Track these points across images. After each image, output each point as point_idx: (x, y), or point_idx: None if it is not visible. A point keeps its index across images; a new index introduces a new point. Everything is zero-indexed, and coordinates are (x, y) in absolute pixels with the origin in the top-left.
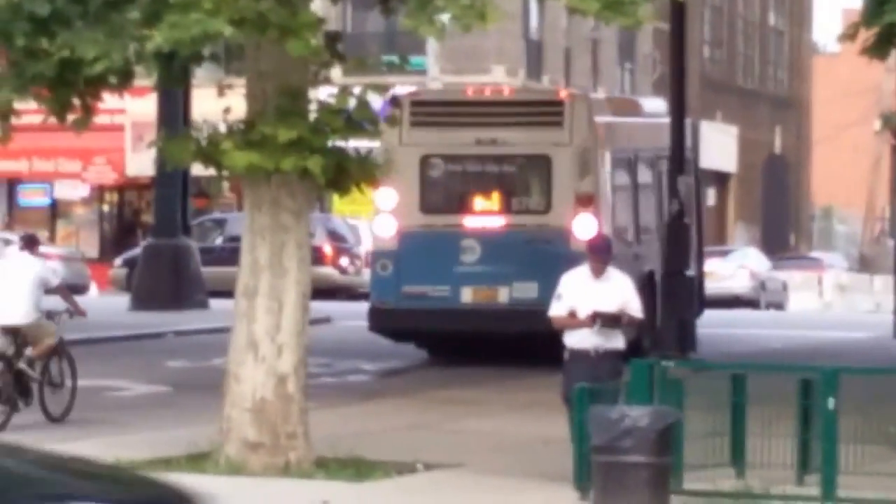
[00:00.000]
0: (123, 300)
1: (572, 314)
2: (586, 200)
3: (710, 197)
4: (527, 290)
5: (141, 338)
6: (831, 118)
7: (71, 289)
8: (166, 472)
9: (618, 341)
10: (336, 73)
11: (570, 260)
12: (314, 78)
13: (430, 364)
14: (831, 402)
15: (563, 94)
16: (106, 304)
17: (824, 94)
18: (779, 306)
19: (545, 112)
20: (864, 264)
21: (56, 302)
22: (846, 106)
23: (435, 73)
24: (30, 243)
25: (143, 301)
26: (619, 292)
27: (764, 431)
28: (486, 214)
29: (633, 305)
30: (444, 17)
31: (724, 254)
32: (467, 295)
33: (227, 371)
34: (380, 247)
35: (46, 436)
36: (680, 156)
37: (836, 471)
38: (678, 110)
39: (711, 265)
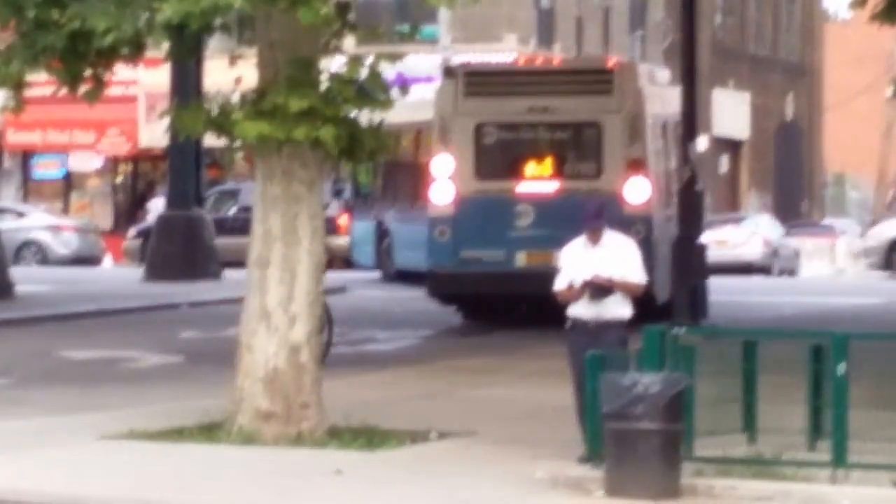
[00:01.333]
0: (137, 272)
1: (571, 286)
2: (636, 165)
3: (723, 164)
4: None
5: (154, 309)
6: (843, 85)
7: (85, 260)
8: (179, 442)
9: (619, 310)
10: (348, 43)
11: (623, 223)
12: (325, 48)
13: (444, 333)
14: (842, 368)
15: (611, 62)
16: (120, 276)
17: (836, 60)
18: (791, 273)
19: (595, 80)
20: None
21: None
22: (858, 73)
23: (446, 43)
24: None
25: (156, 272)
26: (616, 258)
27: (775, 398)
28: (539, 180)
29: (633, 271)
30: None
31: (737, 221)
32: (521, 259)
33: (240, 341)
34: (437, 213)
35: (60, 407)
36: (692, 122)
37: (847, 437)
38: (689, 77)
39: (724, 232)
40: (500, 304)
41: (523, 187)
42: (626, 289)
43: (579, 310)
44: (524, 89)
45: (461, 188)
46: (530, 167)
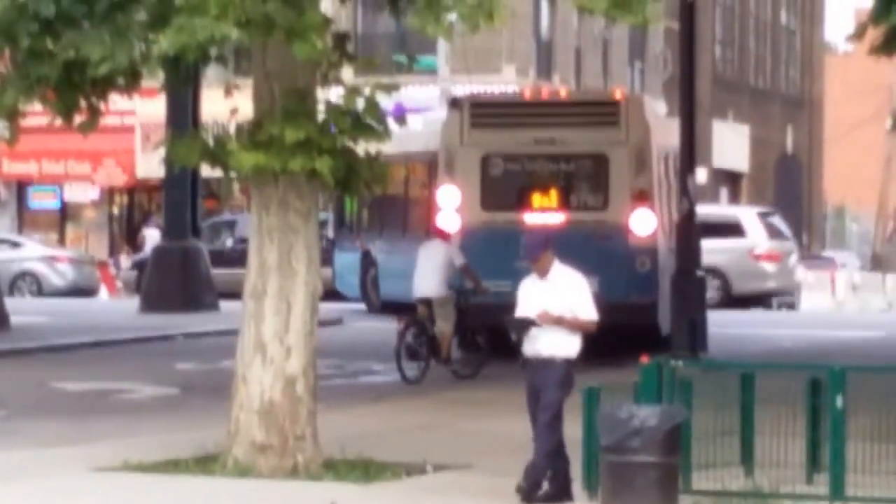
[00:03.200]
0: (133, 303)
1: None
2: (642, 196)
3: (723, 196)
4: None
5: (150, 340)
6: (843, 117)
7: (80, 291)
8: (174, 474)
9: (560, 348)
10: (347, 73)
11: (629, 254)
12: (323, 78)
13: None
14: (840, 401)
15: (618, 94)
16: (115, 307)
17: (836, 93)
18: (791, 306)
19: (602, 112)
20: (877, 263)
21: None
22: (858, 105)
23: (445, 74)
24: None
25: (152, 303)
26: (562, 293)
27: (773, 430)
28: (545, 211)
29: (583, 307)
30: (452, 17)
31: None
32: None
33: (236, 373)
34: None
35: (54, 438)
36: (690, 154)
37: (844, 469)
38: (689, 109)
39: None
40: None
41: (529, 218)
42: (577, 326)
43: (524, 346)
44: (531, 121)
45: (467, 219)
46: (536, 198)
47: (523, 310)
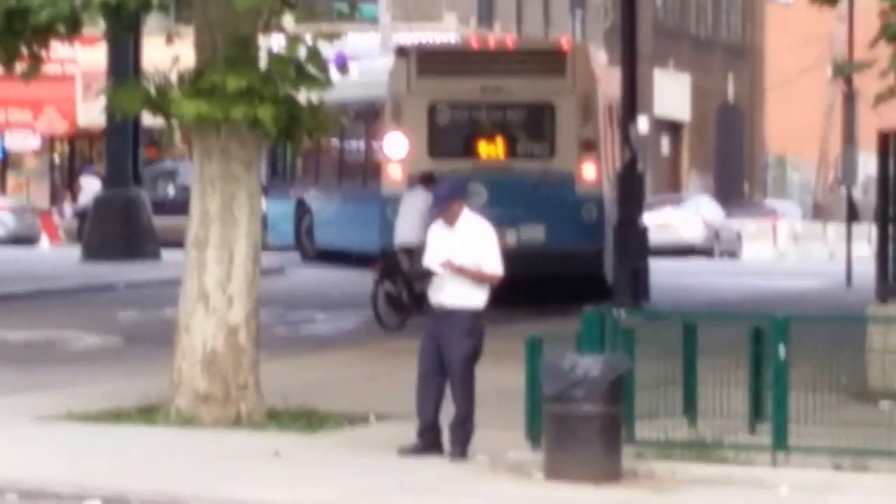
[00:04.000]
0: (75, 252)
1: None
2: (589, 146)
3: (664, 145)
4: (534, 233)
5: (92, 289)
6: (784, 67)
7: (22, 240)
8: (117, 424)
9: (465, 299)
10: (289, 22)
11: (576, 203)
12: (265, 27)
13: None
14: (782, 351)
15: (565, 44)
16: (57, 256)
17: (777, 42)
18: (733, 255)
19: (549, 61)
20: (818, 213)
21: None
22: (799, 54)
23: (386, 22)
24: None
25: (94, 252)
26: (469, 242)
27: (716, 380)
28: (492, 160)
29: (488, 259)
30: None
31: (678, 202)
32: None
33: (178, 322)
34: (389, 192)
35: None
36: (632, 103)
37: (787, 419)
38: (630, 58)
39: (665, 214)
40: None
41: (477, 166)
42: (478, 277)
43: (430, 295)
44: (477, 69)
45: (413, 167)
46: (484, 147)
47: (430, 258)
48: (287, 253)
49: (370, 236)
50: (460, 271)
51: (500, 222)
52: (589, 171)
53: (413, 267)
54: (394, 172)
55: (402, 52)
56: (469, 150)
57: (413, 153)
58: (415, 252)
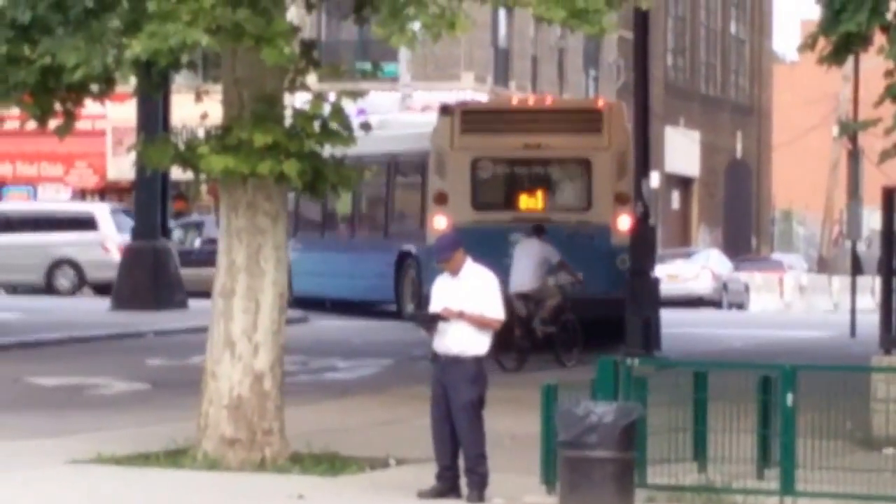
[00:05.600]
0: (104, 301)
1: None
2: (624, 199)
3: (675, 200)
4: (570, 280)
5: (121, 337)
6: (791, 124)
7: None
8: (146, 467)
9: (469, 345)
10: (312, 79)
11: (611, 252)
12: (290, 84)
13: (404, 362)
14: (790, 399)
15: (600, 102)
16: (87, 305)
17: (784, 101)
18: (740, 306)
19: (585, 119)
20: (823, 266)
21: None
22: (805, 113)
23: (406, 80)
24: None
25: (123, 301)
26: (469, 291)
27: (725, 427)
28: (531, 211)
29: (490, 305)
30: (415, 26)
31: (688, 255)
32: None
33: (205, 369)
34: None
35: (29, 431)
36: (644, 159)
37: (794, 465)
38: (642, 117)
39: (675, 267)
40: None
41: (517, 218)
42: (481, 323)
43: (434, 342)
44: (518, 127)
45: (458, 218)
46: (524, 199)
47: (434, 307)
48: None
49: (346, 284)
50: (461, 316)
51: None
52: (623, 222)
53: (419, 313)
54: (438, 224)
55: (446, 110)
56: (510, 203)
57: (457, 205)
58: (530, 297)
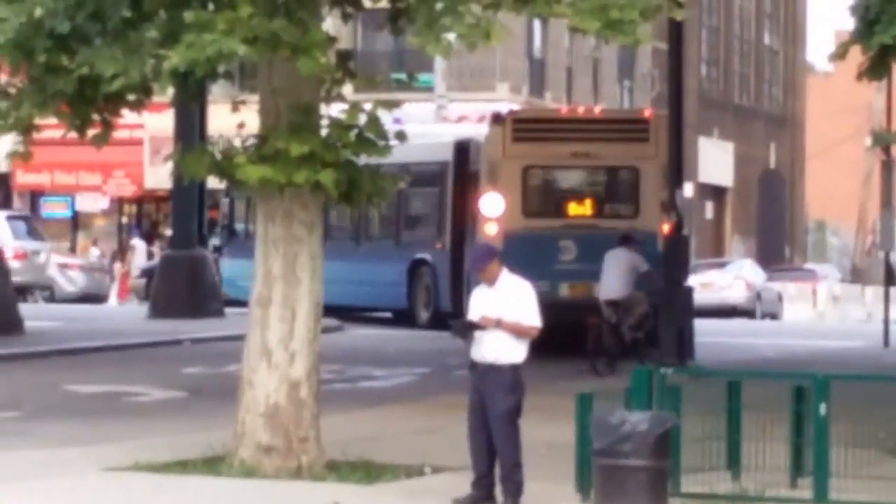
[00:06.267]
0: (142, 309)
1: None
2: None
3: (708, 210)
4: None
5: (158, 345)
6: (824, 135)
7: (91, 298)
8: (183, 475)
9: (505, 353)
10: (347, 90)
11: (657, 258)
12: (326, 94)
13: (440, 370)
14: (823, 408)
15: (647, 113)
16: (125, 313)
17: (818, 111)
18: (774, 316)
19: (633, 129)
20: (857, 276)
21: None
22: (838, 123)
23: (441, 91)
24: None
25: (160, 310)
26: (504, 299)
27: (759, 436)
28: (580, 218)
29: (520, 312)
30: (451, 36)
31: (721, 265)
32: (565, 290)
33: (242, 377)
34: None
35: (67, 439)
36: (678, 169)
37: (828, 474)
38: (676, 127)
39: (709, 276)
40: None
41: (567, 224)
42: (516, 331)
43: (471, 350)
44: (568, 136)
45: (509, 224)
46: (573, 206)
47: (472, 316)
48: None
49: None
50: (498, 325)
51: (588, 277)
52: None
53: (455, 322)
54: (489, 230)
55: (497, 119)
56: (559, 210)
57: (508, 212)
58: (619, 304)
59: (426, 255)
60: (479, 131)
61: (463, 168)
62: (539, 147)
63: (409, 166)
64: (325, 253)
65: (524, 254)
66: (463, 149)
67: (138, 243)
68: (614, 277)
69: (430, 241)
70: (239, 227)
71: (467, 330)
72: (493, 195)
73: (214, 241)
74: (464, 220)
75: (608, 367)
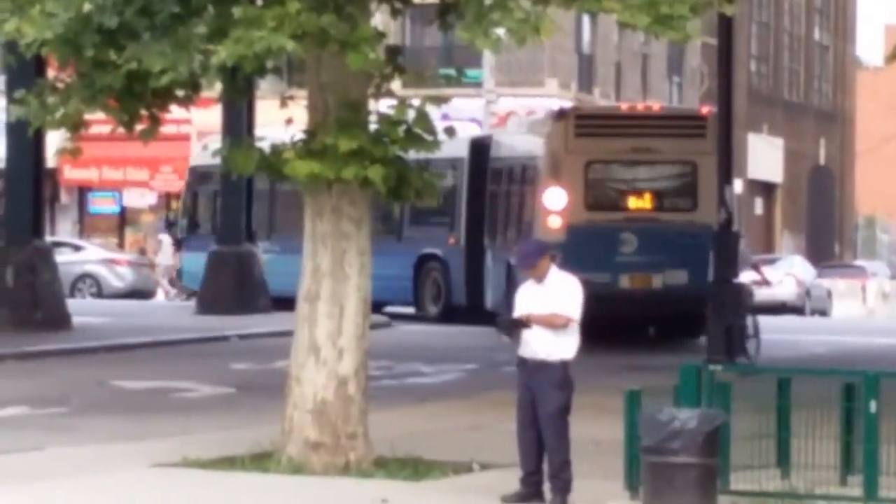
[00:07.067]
0: (189, 305)
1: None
2: None
3: (758, 207)
4: (677, 277)
5: (206, 341)
6: (874, 131)
7: (139, 293)
8: (231, 471)
9: (554, 350)
10: (396, 85)
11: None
12: (375, 90)
13: (488, 366)
14: (873, 406)
15: (705, 110)
16: (172, 309)
17: (867, 107)
18: (823, 313)
19: (690, 125)
20: None
21: None
22: (889, 119)
23: (490, 86)
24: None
25: (208, 305)
26: (551, 295)
27: (808, 433)
28: (640, 212)
29: (566, 306)
30: (500, 31)
31: (771, 262)
32: (625, 281)
33: (290, 373)
34: (549, 240)
35: (115, 435)
36: (728, 166)
37: (877, 472)
38: (726, 123)
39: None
40: (603, 324)
41: (627, 218)
42: (546, 322)
43: (521, 347)
44: (628, 131)
45: (571, 217)
46: (633, 200)
47: (518, 313)
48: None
49: None
50: (538, 321)
51: (647, 268)
52: None
53: (501, 319)
54: (553, 223)
55: (560, 115)
56: (620, 203)
57: (571, 205)
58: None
59: (436, 250)
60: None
61: (479, 164)
62: (600, 142)
63: (421, 161)
64: (296, 248)
65: (586, 246)
66: (479, 145)
67: (165, 238)
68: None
69: (440, 237)
70: (203, 219)
71: (513, 328)
72: (556, 189)
73: (163, 235)
74: (481, 215)
75: (744, 352)
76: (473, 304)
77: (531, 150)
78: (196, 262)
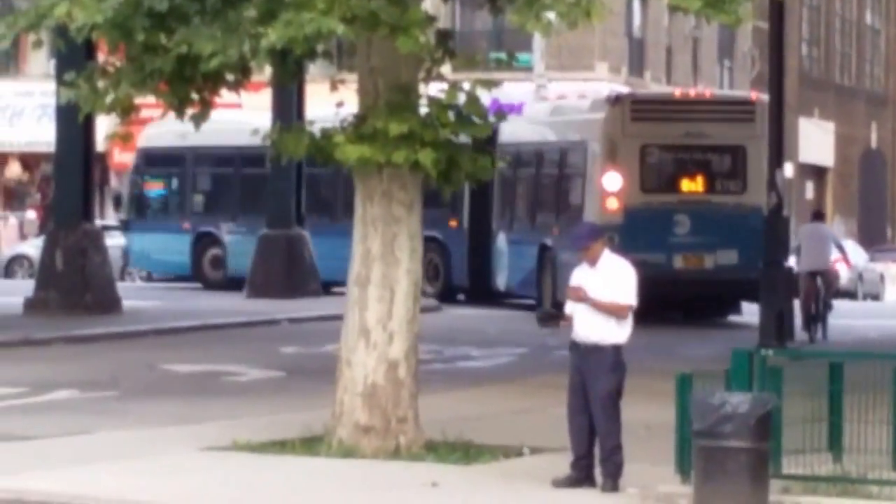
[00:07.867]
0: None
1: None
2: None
3: (809, 190)
4: (729, 257)
5: (256, 324)
6: None
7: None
8: (281, 454)
9: (607, 334)
10: (446, 69)
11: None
12: (426, 74)
13: (538, 350)
14: None
15: (753, 96)
16: (223, 293)
17: None
18: (875, 297)
19: (740, 111)
20: None
21: None
22: None
23: (540, 70)
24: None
25: (258, 289)
26: (605, 280)
27: (860, 418)
28: (693, 194)
29: (621, 292)
30: (551, 14)
31: None
32: (679, 261)
33: (340, 357)
34: (607, 221)
35: (165, 418)
36: (779, 150)
37: None
38: (777, 107)
39: None
40: (657, 304)
41: (681, 200)
42: (605, 308)
43: (573, 331)
44: (682, 116)
45: (628, 200)
46: (686, 183)
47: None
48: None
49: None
50: (593, 303)
51: (700, 248)
52: None
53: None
54: (611, 205)
55: (617, 100)
56: (674, 186)
57: (627, 188)
58: (822, 275)
59: (434, 233)
60: None
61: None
62: (655, 126)
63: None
64: (323, 230)
65: (642, 228)
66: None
67: None
68: (818, 250)
69: (440, 219)
70: (154, 200)
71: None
72: (613, 172)
73: (106, 220)
74: (486, 199)
75: (813, 332)
76: (476, 285)
77: (572, 135)
78: (142, 242)
